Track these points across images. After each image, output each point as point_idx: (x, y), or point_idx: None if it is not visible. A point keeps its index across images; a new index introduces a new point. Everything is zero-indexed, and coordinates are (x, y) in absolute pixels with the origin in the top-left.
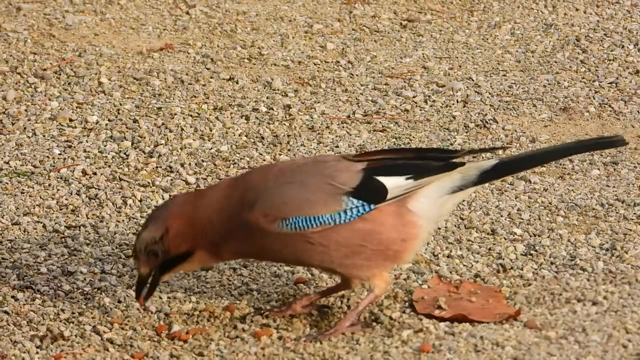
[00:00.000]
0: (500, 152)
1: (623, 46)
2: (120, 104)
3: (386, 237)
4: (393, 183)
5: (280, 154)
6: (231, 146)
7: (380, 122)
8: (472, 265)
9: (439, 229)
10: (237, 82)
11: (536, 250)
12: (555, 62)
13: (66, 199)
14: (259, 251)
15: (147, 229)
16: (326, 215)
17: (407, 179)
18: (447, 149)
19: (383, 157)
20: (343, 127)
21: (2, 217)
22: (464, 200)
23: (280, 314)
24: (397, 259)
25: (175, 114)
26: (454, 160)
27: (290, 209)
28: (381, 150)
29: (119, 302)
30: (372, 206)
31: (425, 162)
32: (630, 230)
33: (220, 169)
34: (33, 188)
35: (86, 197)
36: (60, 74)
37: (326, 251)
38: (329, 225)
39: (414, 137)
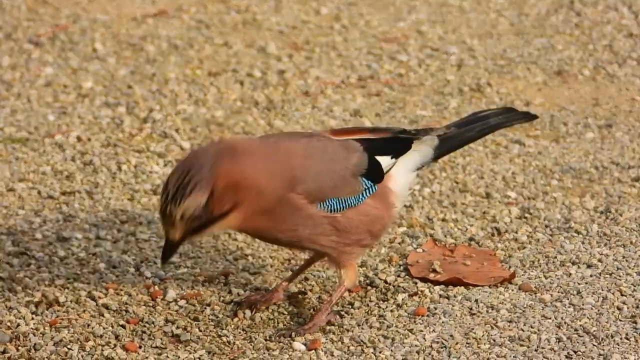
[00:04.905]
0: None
1: (617, 9)
2: (115, 70)
3: (386, 221)
4: (385, 162)
5: (274, 119)
6: (226, 111)
7: (374, 87)
8: (467, 229)
9: (434, 192)
10: (231, 48)
11: (531, 214)
12: (550, 25)
13: (61, 165)
14: (284, 228)
15: (191, 195)
16: (351, 197)
17: (392, 157)
18: (397, 128)
19: (359, 137)
20: (337, 91)
21: None
22: (458, 164)
23: (266, 303)
24: (373, 244)
25: (170, 80)
26: (407, 136)
27: (328, 191)
28: (352, 129)
29: (114, 267)
30: (376, 187)
31: (398, 140)
32: (625, 192)
33: (214, 134)
34: (28, 154)
35: (81, 163)
36: (54, 41)
37: (343, 234)
38: (352, 207)
39: (408, 101)
